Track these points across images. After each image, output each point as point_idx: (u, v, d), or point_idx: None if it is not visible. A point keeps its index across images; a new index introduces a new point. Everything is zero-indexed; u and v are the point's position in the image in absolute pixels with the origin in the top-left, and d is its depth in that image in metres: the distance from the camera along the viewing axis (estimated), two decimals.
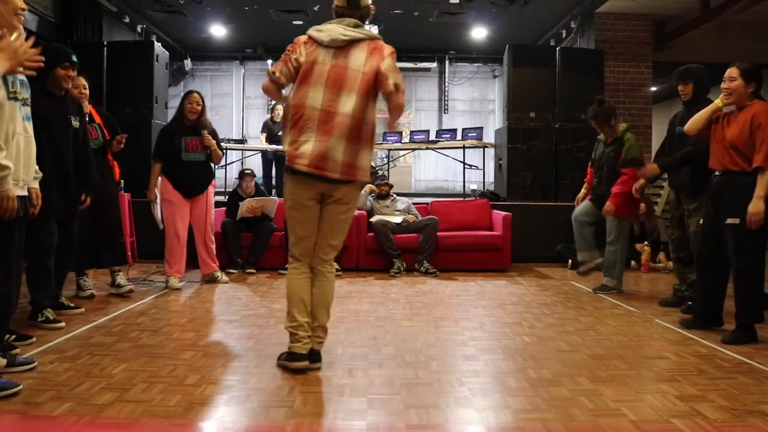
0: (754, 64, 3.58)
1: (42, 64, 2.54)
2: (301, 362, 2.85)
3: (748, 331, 3.53)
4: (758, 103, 3.54)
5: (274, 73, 2.88)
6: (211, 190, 5.27)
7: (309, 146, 2.75)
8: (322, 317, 2.96)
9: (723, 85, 3.59)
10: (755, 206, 3.37)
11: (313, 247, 2.96)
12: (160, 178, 5.09)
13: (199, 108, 5.05)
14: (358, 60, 2.82)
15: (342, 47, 2.84)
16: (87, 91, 4.43)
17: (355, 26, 2.90)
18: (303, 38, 2.93)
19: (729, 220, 3.52)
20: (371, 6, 3.00)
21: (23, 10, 2.68)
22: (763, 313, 3.61)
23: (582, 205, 5.19)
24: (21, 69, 2.48)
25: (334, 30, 2.87)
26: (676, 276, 4.64)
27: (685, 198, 4.29)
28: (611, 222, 4.93)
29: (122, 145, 4.63)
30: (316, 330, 2.94)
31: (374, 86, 2.82)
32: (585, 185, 5.37)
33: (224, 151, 5.34)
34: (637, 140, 5.00)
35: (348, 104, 2.77)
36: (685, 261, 4.45)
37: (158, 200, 5.23)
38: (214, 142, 5.05)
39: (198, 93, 5.15)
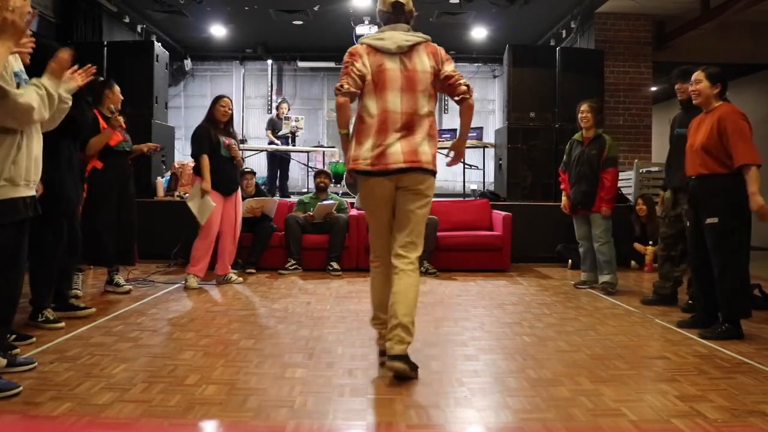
0: (719, 68, 3.73)
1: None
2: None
3: (731, 328, 3.57)
4: (723, 105, 3.65)
5: (342, 86, 2.93)
6: (239, 192, 5.42)
7: (398, 146, 2.87)
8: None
9: (690, 88, 3.79)
10: (755, 203, 3.45)
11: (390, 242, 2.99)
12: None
13: (230, 112, 5.27)
14: (424, 62, 2.96)
15: (406, 52, 2.96)
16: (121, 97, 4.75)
17: (408, 31, 3.03)
18: (361, 48, 3.00)
19: (708, 221, 3.61)
20: (413, 11, 3.11)
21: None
22: (750, 310, 3.67)
23: (580, 230, 5.27)
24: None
25: (396, 36, 2.97)
26: (659, 275, 4.70)
27: (683, 197, 4.33)
28: (600, 221, 5.02)
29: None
30: (394, 329, 2.76)
31: (435, 85, 2.99)
32: (564, 193, 5.35)
33: (244, 158, 5.64)
34: (614, 140, 5.17)
35: (424, 105, 2.94)
36: (676, 260, 4.57)
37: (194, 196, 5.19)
38: (239, 153, 5.27)
39: (228, 97, 5.35)
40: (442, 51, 3.03)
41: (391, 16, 3.05)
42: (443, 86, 3.00)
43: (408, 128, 2.90)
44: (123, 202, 4.64)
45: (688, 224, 3.93)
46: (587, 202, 5.05)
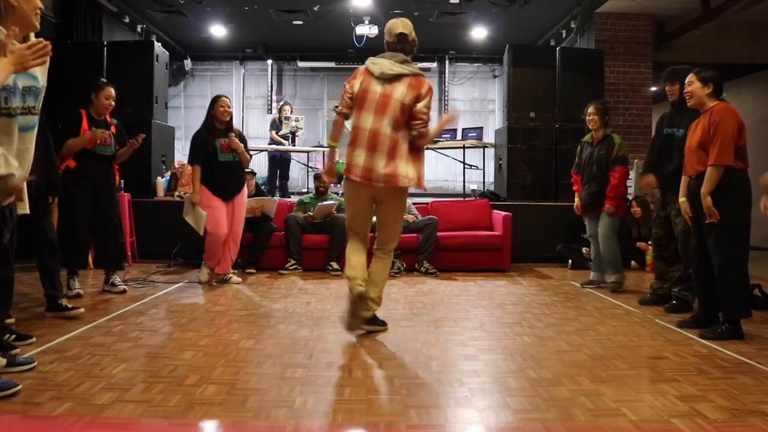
0: (711, 70, 3.75)
1: (50, 53, 2.42)
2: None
3: (731, 328, 3.57)
4: (718, 104, 3.68)
5: (337, 107, 3.55)
6: (245, 191, 5.40)
7: (360, 160, 3.43)
8: (372, 291, 3.53)
9: (684, 90, 3.82)
10: (705, 202, 3.51)
11: (367, 235, 3.67)
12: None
13: (230, 110, 5.21)
14: (401, 93, 3.41)
15: (389, 79, 3.43)
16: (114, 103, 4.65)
17: (403, 61, 3.47)
18: (362, 69, 3.53)
19: (708, 220, 3.61)
20: (416, 40, 3.57)
21: (41, 9, 2.67)
22: (750, 310, 3.68)
23: (591, 230, 5.27)
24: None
25: (384, 64, 3.46)
26: (655, 275, 4.71)
27: (671, 198, 4.37)
28: (605, 219, 5.02)
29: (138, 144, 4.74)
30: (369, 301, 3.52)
31: (408, 115, 3.42)
32: (577, 194, 5.35)
33: (251, 155, 5.48)
34: (623, 140, 5.15)
35: (389, 127, 3.40)
36: (669, 260, 4.57)
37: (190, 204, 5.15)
38: (241, 145, 5.17)
39: (226, 97, 5.28)
40: (425, 88, 3.43)
41: (395, 44, 3.51)
42: (410, 115, 3.42)
43: (374, 146, 3.40)
44: (104, 206, 4.54)
45: (680, 226, 3.93)
46: (596, 203, 5.06)
